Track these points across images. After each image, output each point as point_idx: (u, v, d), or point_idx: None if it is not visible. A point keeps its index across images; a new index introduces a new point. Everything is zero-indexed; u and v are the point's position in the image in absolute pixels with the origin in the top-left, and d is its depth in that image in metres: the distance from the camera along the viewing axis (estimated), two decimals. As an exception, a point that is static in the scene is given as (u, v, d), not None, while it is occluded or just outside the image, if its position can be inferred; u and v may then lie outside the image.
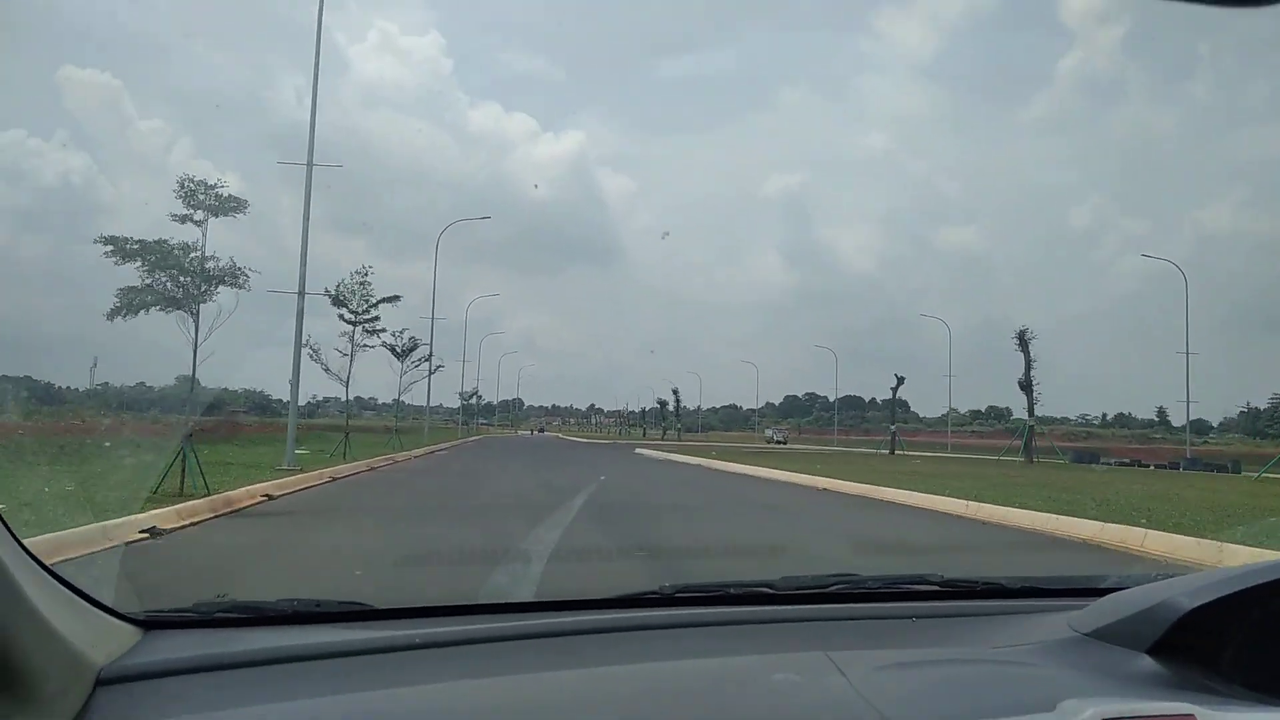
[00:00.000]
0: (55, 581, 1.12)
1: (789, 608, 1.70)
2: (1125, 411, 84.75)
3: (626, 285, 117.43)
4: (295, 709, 1.16)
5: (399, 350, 33.98)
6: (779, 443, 64.92)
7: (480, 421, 78.65)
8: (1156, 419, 79.91)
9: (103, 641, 1.20)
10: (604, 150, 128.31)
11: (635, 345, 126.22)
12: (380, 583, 4.89)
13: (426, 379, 33.07)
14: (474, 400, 73.09)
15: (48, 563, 1.09)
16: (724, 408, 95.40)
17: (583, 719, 1.17)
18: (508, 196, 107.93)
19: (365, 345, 26.73)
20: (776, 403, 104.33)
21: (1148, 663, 1.20)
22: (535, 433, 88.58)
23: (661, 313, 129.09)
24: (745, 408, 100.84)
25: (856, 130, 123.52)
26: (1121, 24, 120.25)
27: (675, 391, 79.80)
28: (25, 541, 1.03)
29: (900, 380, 44.68)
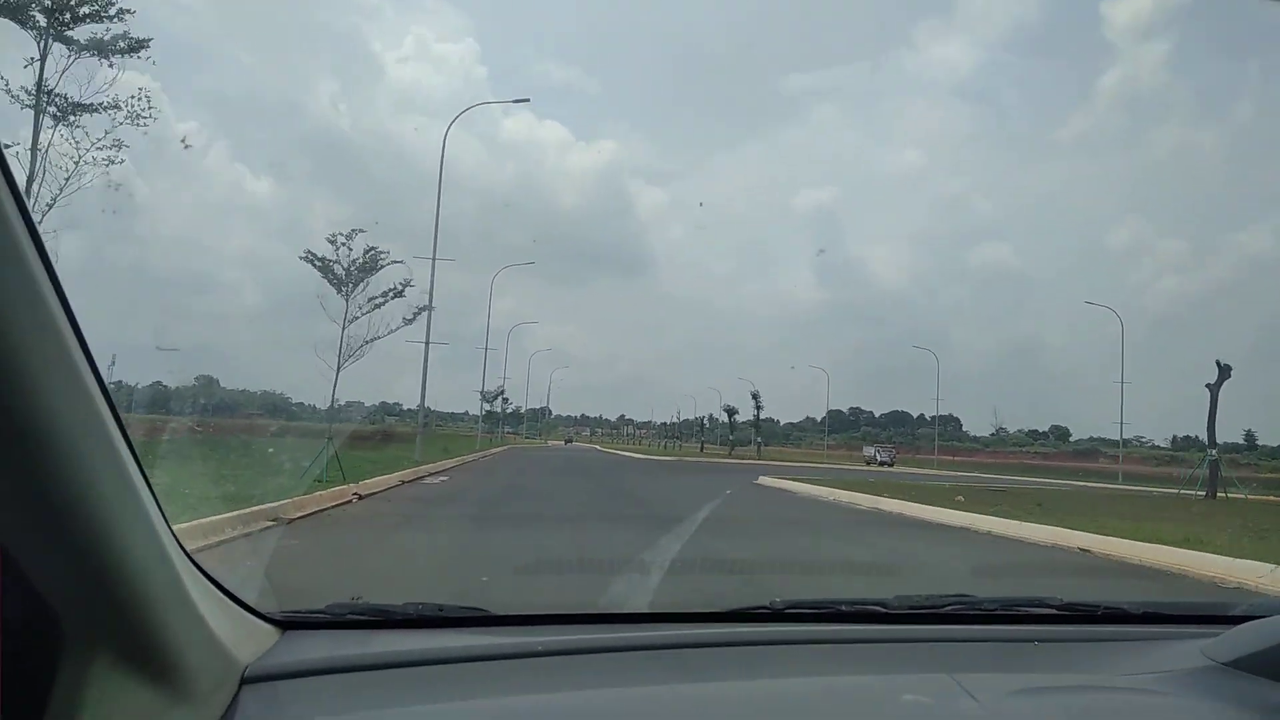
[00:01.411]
0: (208, 581, 1.20)
1: (903, 627, 1.72)
2: (1141, 436, 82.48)
3: (655, 296, 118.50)
4: (425, 713, 1.26)
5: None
6: (884, 464, 58.08)
7: (507, 430, 78.25)
8: (1244, 442, 77.88)
9: (247, 641, 1.30)
10: (636, 162, 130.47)
11: (664, 356, 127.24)
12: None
13: (422, 373, 33.63)
14: (499, 402, 70.27)
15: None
16: (762, 421, 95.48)
17: None
18: (538, 205, 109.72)
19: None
20: (818, 417, 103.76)
21: None
22: (566, 443, 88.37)
23: (691, 324, 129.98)
24: (783, 421, 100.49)
25: (890, 147, 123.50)
26: (1165, 41, 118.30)
27: (755, 397, 67.70)
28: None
29: (1224, 372, 23.98)
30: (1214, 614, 1.76)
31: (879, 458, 63.17)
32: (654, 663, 1.50)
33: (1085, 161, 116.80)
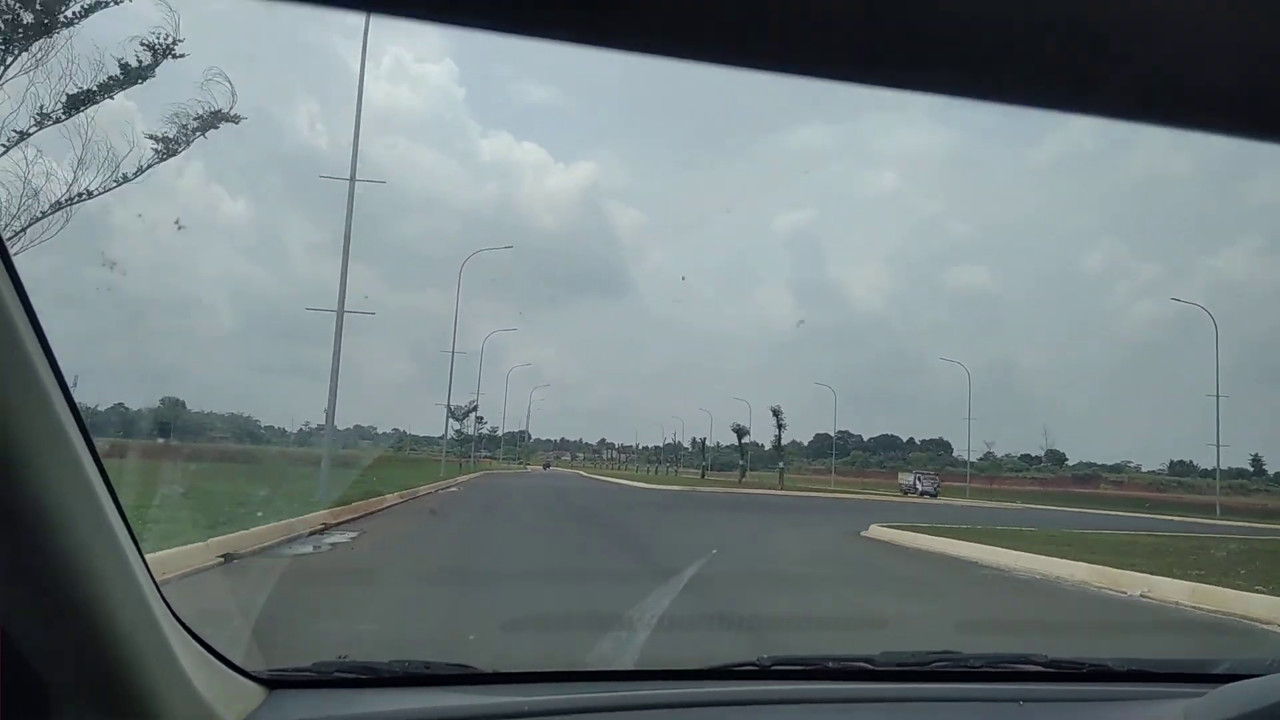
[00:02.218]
0: (194, 640, 1.23)
1: (889, 685, 1.77)
2: (1128, 460, 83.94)
3: (634, 319, 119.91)
4: None
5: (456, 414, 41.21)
6: (926, 495, 51.84)
7: (484, 454, 76.81)
8: (1250, 468, 78.94)
9: (234, 702, 1.32)
10: (614, 183, 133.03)
11: (643, 379, 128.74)
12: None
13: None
14: (472, 421, 65.94)
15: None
16: (740, 447, 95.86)
17: None
18: (517, 226, 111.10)
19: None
20: (805, 441, 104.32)
21: None
22: (545, 468, 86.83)
23: (671, 347, 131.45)
24: (766, 445, 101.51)
25: (868, 169, 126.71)
26: None
27: (777, 413, 59.16)
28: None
29: None
30: (1198, 673, 1.80)
31: (919, 487, 55.29)
32: None
33: (1062, 183, 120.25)
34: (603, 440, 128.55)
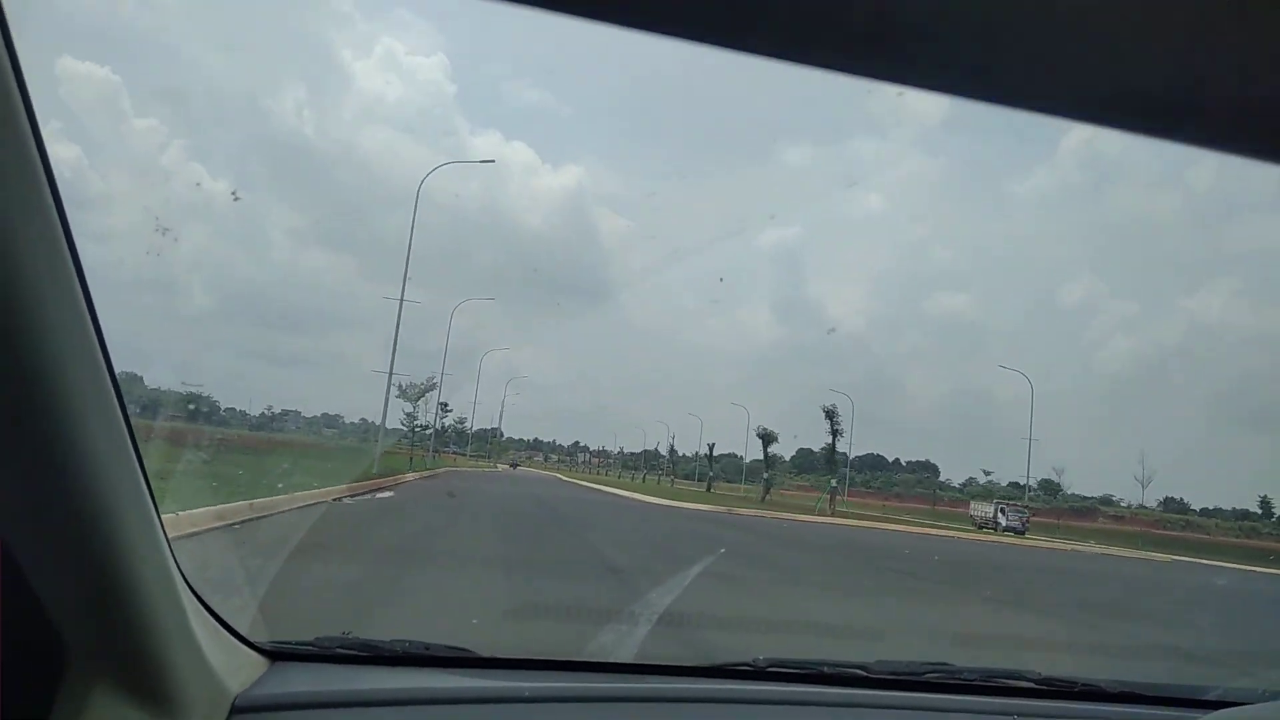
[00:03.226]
0: (204, 609, 1.28)
1: (883, 693, 1.83)
2: (1109, 494, 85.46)
3: (615, 325, 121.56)
4: None
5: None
6: (1014, 531, 44.44)
7: (453, 450, 75.82)
8: (1259, 510, 79.90)
9: (238, 670, 1.39)
10: (601, 189, 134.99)
11: (622, 385, 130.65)
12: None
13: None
14: (433, 404, 56.35)
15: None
16: (723, 456, 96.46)
17: None
18: (501, 226, 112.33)
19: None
20: (788, 456, 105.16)
21: None
22: (512, 468, 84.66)
23: (650, 355, 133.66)
24: (749, 459, 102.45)
25: (855, 191, 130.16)
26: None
27: (765, 436, 55.00)
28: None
29: None
30: (1190, 698, 1.88)
31: (1003, 522, 46.70)
32: (639, 714, 1.62)
33: (1044, 217, 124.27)
34: (576, 443, 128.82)
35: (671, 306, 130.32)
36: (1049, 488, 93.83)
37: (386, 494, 19.69)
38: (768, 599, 9.72)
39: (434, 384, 49.65)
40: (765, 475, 57.24)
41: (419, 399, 49.83)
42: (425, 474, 33.60)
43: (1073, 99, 0.47)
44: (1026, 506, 53.81)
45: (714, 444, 74.88)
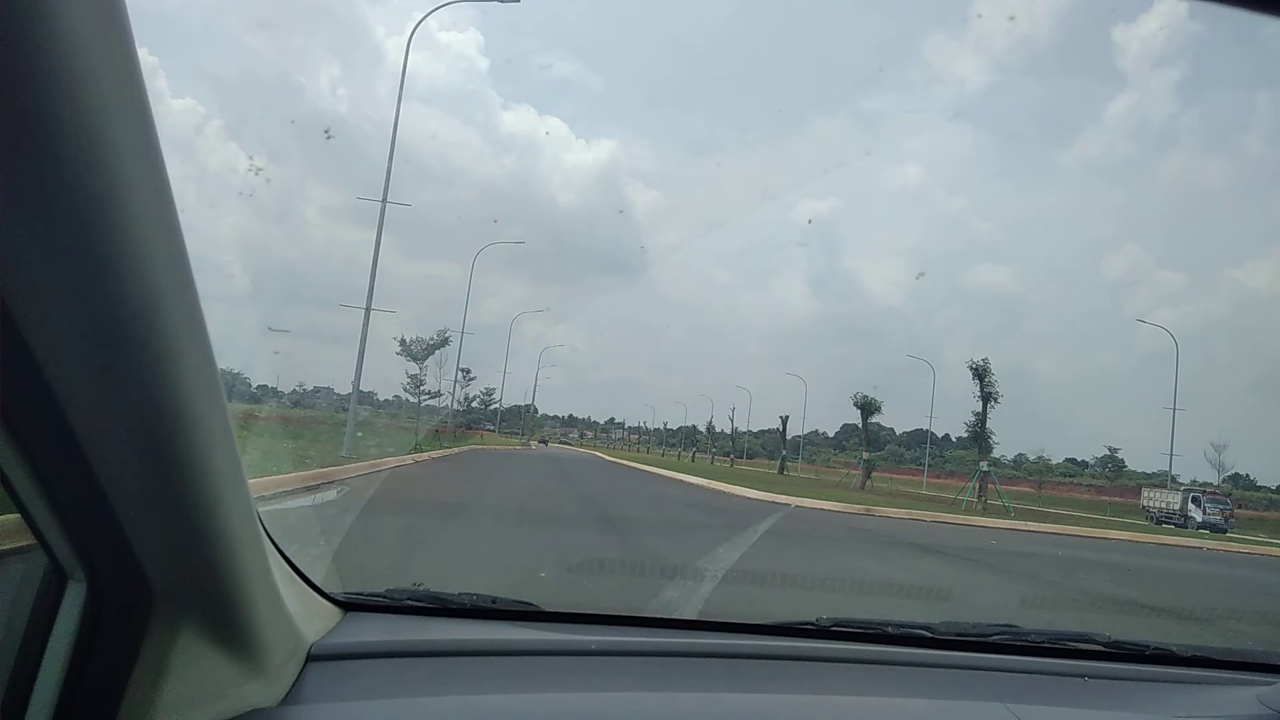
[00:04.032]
0: (282, 558, 1.34)
1: (949, 653, 1.86)
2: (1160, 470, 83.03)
3: (649, 299, 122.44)
4: (480, 702, 1.41)
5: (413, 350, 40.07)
6: (1214, 529, 36.41)
7: (487, 427, 75.60)
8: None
9: (313, 620, 1.46)
10: (635, 163, 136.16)
11: (655, 361, 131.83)
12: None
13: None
14: (450, 370, 46.98)
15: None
16: (764, 432, 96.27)
17: None
18: (533, 201, 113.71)
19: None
20: (830, 433, 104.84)
21: None
22: (543, 444, 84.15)
23: (685, 329, 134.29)
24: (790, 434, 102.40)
25: (891, 163, 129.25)
26: (1178, 69, 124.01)
27: (864, 406, 46.99)
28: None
29: None
30: (1267, 663, 1.90)
31: (1199, 517, 39.26)
32: (702, 670, 1.67)
33: (1089, 186, 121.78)
34: (611, 419, 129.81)
35: (705, 280, 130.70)
36: (1112, 464, 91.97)
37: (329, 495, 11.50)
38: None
39: (445, 338, 41.54)
40: (864, 457, 48.09)
41: (427, 358, 42.13)
42: (435, 455, 27.51)
43: None
44: (1228, 495, 44.11)
45: (787, 417, 67.48)
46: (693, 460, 73.30)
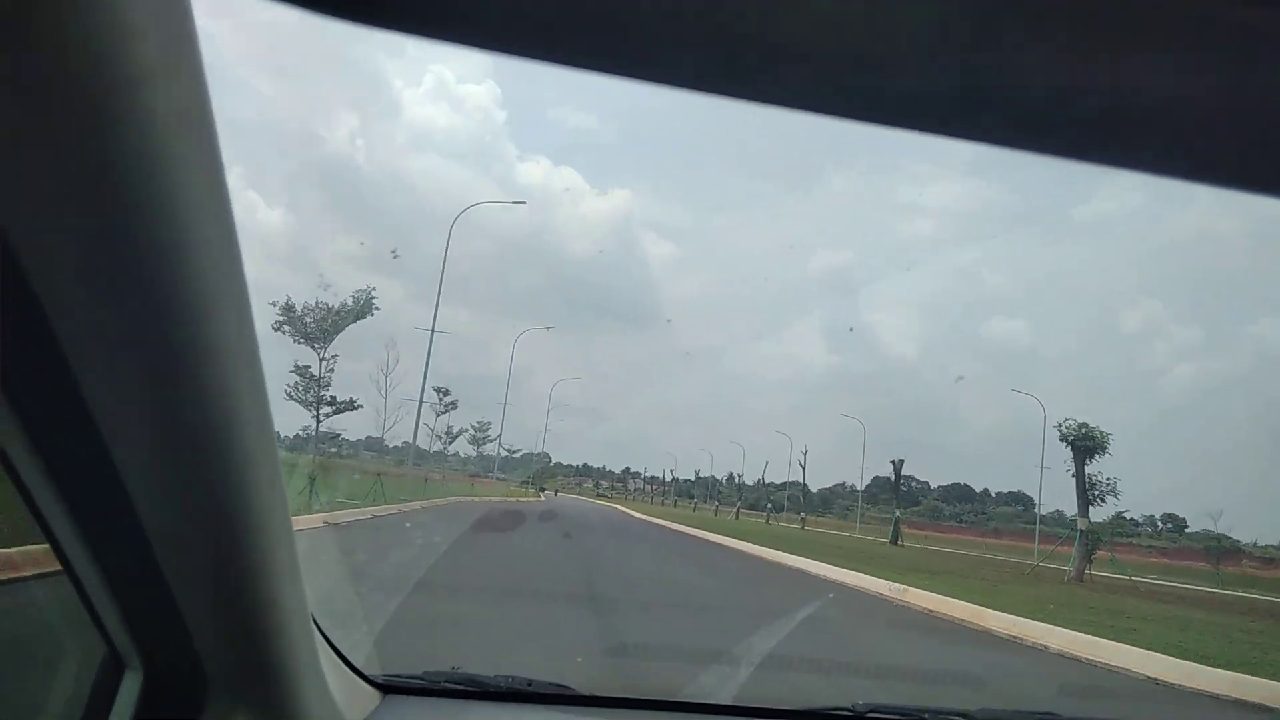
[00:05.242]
0: (326, 644, 1.39)
1: None
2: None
3: (663, 351, 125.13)
4: None
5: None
6: None
7: (498, 476, 74.61)
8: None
9: (354, 704, 1.49)
10: (649, 215, 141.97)
11: (669, 412, 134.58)
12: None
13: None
14: (442, 428, 58.81)
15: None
16: (785, 485, 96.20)
17: None
18: (549, 252, 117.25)
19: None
20: (859, 485, 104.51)
21: None
22: (551, 494, 71.44)
23: (699, 382, 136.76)
24: (816, 487, 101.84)
25: (904, 217, 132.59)
26: None
27: (897, 465, 50.16)
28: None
29: None
30: None
31: None
32: None
33: (1103, 242, 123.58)
34: (627, 469, 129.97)
35: (719, 334, 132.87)
36: (1174, 522, 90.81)
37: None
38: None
39: (446, 398, 51.68)
40: (896, 514, 47.33)
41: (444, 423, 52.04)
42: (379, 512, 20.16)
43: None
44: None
45: (804, 462, 69.45)
46: (736, 518, 65.04)
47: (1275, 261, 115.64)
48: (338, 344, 37.55)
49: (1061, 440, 32.68)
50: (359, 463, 44.95)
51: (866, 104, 0.50)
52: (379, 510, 20.75)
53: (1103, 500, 32.52)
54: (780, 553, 23.65)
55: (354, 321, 38.70)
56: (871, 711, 1.95)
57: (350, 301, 38.86)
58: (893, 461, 50.59)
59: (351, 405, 42.02)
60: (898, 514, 47.23)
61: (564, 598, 10.97)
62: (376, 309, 39.47)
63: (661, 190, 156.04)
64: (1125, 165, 0.54)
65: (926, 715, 1.98)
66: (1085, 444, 31.98)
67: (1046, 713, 2.08)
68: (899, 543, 43.70)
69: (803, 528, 57.36)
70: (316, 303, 36.75)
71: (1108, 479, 32.14)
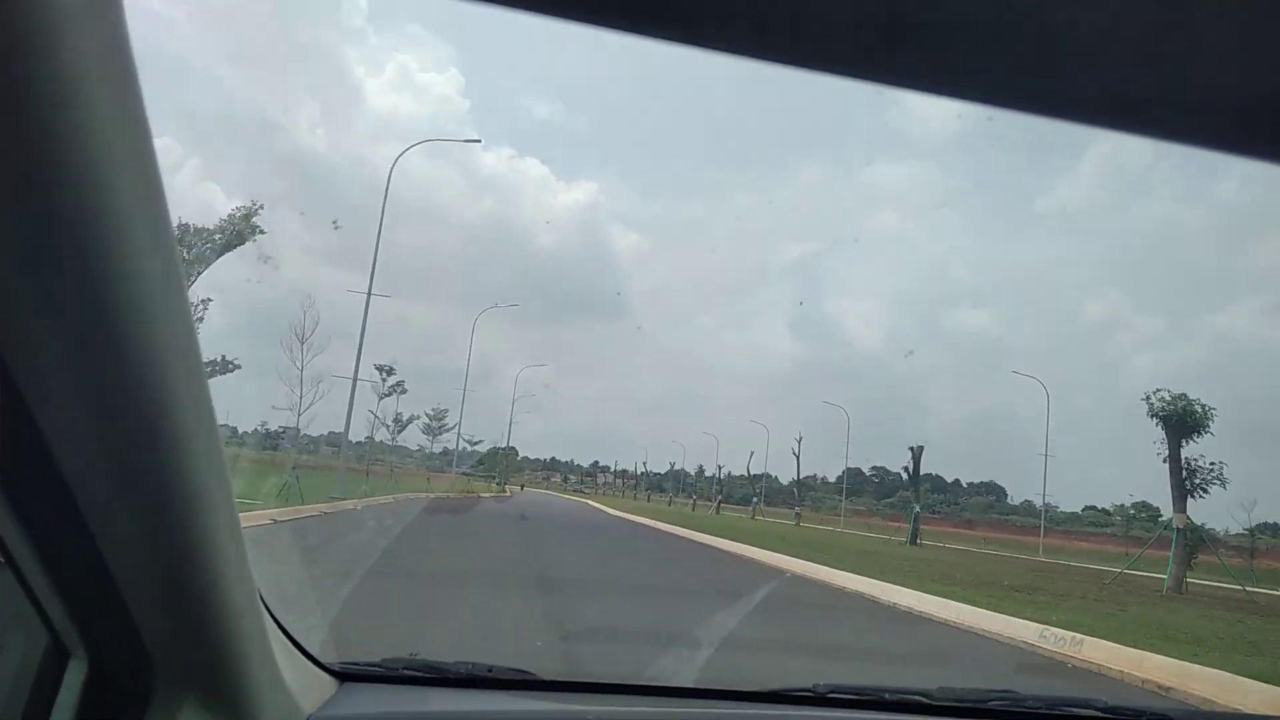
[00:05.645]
0: (280, 632, 1.39)
1: None
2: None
3: (631, 343, 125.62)
4: None
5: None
6: None
7: (459, 470, 73.05)
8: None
9: (309, 691, 1.50)
10: (616, 205, 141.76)
11: (637, 404, 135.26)
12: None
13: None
14: (384, 417, 55.05)
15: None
16: (756, 476, 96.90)
17: None
18: (513, 242, 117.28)
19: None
20: (830, 477, 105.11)
21: None
22: (517, 490, 71.92)
23: (667, 373, 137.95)
24: (785, 479, 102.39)
25: (870, 208, 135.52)
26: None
27: (916, 453, 43.16)
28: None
29: None
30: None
31: None
32: None
33: (1066, 233, 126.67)
34: (595, 462, 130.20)
35: (686, 325, 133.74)
36: (1148, 512, 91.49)
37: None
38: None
39: (394, 380, 48.67)
40: (915, 508, 41.38)
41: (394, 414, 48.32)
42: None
43: (1084, 102, 0.53)
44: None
45: (798, 450, 67.13)
46: (716, 513, 62.82)
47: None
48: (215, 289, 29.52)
49: (1151, 416, 25.20)
50: (280, 454, 37.69)
51: (878, 66, 0.51)
52: (280, 514, 15.68)
53: (1205, 491, 24.68)
54: (828, 569, 17.13)
55: (227, 250, 30.53)
56: (832, 692, 2.00)
57: (225, 221, 30.64)
58: (911, 448, 44.30)
59: (227, 366, 34.40)
60: (917, 509, 40.92)
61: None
62: (261, 232, 31.39)
63: (628, 182, 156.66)
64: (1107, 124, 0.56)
65: (886, 694, 2.03)
66: (1183, 421, 24.79)
67: (1005, 691, 2.10)
68: (918, 542, 38.39)
69: (798, 524, 53.67)
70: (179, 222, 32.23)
71: (1211, 463, 24.71)
